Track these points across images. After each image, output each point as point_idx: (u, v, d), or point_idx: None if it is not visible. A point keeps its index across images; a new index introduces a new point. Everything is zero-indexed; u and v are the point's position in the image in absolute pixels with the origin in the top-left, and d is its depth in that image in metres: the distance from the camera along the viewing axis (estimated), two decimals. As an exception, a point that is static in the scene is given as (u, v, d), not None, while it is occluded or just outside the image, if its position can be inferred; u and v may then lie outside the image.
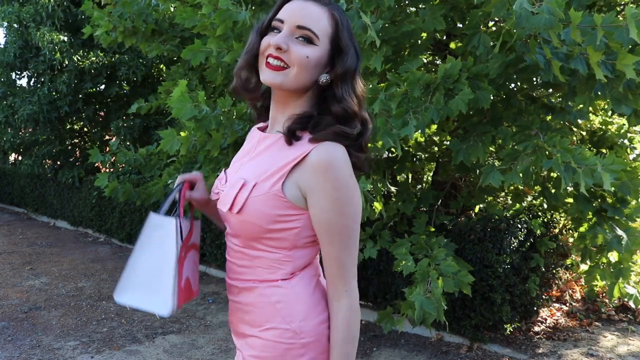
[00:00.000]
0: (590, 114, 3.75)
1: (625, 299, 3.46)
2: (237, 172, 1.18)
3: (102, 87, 7.56)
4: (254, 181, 1.11)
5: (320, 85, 1.13)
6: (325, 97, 1.14)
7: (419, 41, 3.16)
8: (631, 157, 3.86)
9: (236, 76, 1.20)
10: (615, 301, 4.46)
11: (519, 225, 3.75)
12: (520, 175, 2.64)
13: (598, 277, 3.41)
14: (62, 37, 6.65)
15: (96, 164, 7.75)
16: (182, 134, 3.42)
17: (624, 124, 3.94)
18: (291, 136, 1.11)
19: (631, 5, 2.48)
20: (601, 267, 3.47)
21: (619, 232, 2.99)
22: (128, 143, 6.87)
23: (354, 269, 1.13)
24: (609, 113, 3.82)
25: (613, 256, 3.48)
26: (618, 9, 2.95)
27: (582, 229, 3.28)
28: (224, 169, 1.28)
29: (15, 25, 7.15)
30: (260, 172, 1.12)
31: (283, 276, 1.15)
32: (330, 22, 1.11)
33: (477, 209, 4.19)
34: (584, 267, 4.46)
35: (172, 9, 4.03)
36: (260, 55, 1.13)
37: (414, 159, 4.08)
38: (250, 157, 1.19)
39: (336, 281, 1.12)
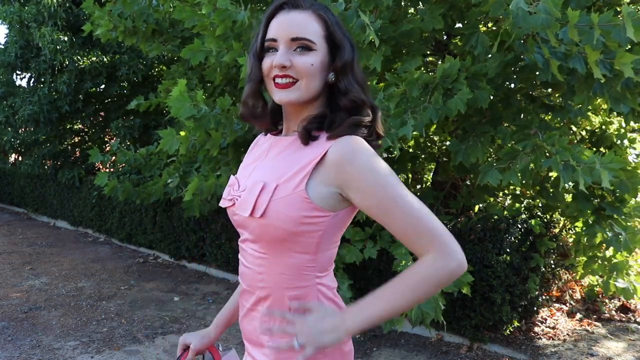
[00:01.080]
0: (590, 114, 3.75)
1: (620, 297, 3.47)
2: (251, 176, 1.15)
3: (103, 87, 7.57)
4: (274, 183, 1.07)
5: (327, 85, 1.14)
6: (332, 94, 1.15)
7: (418, 40, 3.16)
8: (630, 157, 3.86)
9: (244, 105, 1.20)
10: (616, 301, 4.46)
11: (519, 225, 3.75)
12: (519, 174, 2.63)
13: (592, 270, 3.42)
14: (63, 37, 6.66)
15: (96, 164, 7.77)
16: (182, 133, 3.43)
17: (623, 124, 3.95)
18: (307, 136, 1.10)
19: (630, 5, 2.48)
20: (597, 262, 3.48)
21: (618, 230, 2.99)
22: (128, 143, 6.88)
23: (440, 226, 1.02)
24: (609, 113, 3.82)
25: (609, 251, 3.49)
26: (618, 8, 2.95)
27: (578, 224, 3.29)
28: (231, 175, 1.25)
29: (17, 25, 7.16)
30: (280, 174, 1.09)
31: (308, 282, 1.11)
32: (319, 23, 1.11)
33: (476, 208, 4.19)
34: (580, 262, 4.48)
35: (172, 9, 4.04)
36: (266, 78, 1.13)
37: (414, 159, 4.08)
38: (264, 161, 1.17)
39: (418, 245, 1.03)
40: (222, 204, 1.22)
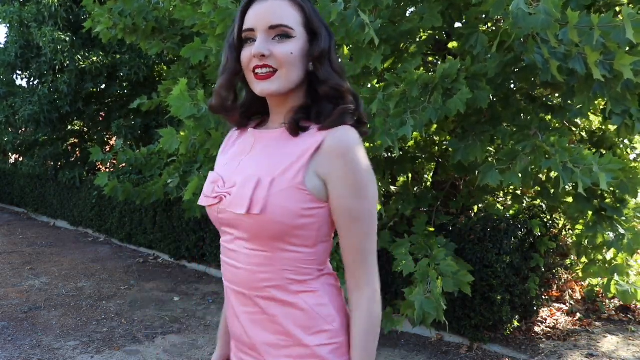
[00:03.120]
0: (590, 114, 3.75)
1: (619, 298, 3.47)
2: (240, 171, 1.11)
3: (103, 87, 7.57)
4: (269, 177, 1.04)
5: (307, 74, 1.11)
6: (311, 83, 1.12)
7: (418, 40, 3.15)
8: (631, 157, 3.86)
9: (216, 95, 1.15)
10: (616, 301, 4.45)
11: (519, 225, 3.75)
12: (519, 175, 2.63)
13: (593, 273, 3.42)
14: (63, 37, 6.66)
15: (97, 165, 7.77)
16: (182, 133, 3.43)
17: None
18: (297, 127, 1.08)
19: (629, 6, 2.48)
20: (597, 264, 3.48)
21: (621, 230, 2.99)
22: (129, 143, 6.88)
23: (375, 256, 1.09)
24: (603, 118, 3.82)
25: (609, 253, 3.49)
26: (618, 9, 2.95)
27: (578, 227, 3.28)
28: (210, 172, 1.20)
29: (17, 25, 7.16)
30: (273, 167, 1.06)
31: (311, 275, 1.09)
32: (297, 10, 1.08)
33: (476, 209, 4.19)
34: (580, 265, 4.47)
35: (172, 8, 4.04)
36: (246, 70, 1.10)
37: (414, 159, 4.08)
38: (250, 155, 1.13)
39: (358, 271, 1.08)
40: (204, 202, 1.15)
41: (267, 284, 1.08)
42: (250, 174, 1.07)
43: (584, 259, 3.80)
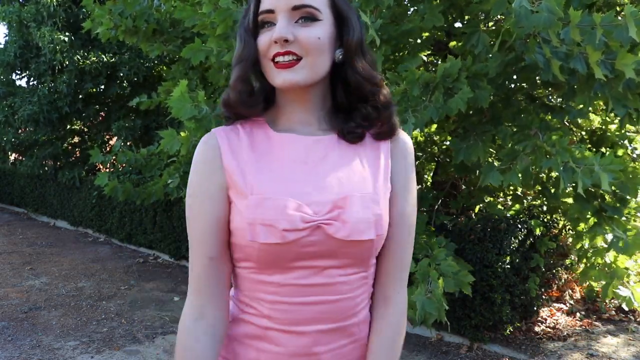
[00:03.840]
0: (590, 114, 3.75)
1: (618, 301, 3.46)
2: (321, 189, 0.92)
3: (103, 87, 7.57)
4: (375, 193, 0.94)
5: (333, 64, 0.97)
6: (336, 74, 0.98)
7: (419, 40, 3.15)
8: (632, 157, 3.86)
9: (233, 89, 0.96)
10: (616, 301, 4.46)
11: (519, 226, 3.75)
12: (520, 175, 2.63)
13: (593, 277, 3.41)
14: (62, 37, 6.66)
15: (96, 165, 7.77)
16: (182, 134, 3.42)
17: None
18: (360, 136, 0.98)
19: (631, 4, 2.48)
20: (596, 267, 3.47)
21: (619, 232, 2.99)
22: (129, 143, 6.88)
23: None
24: (607, 113, 3.82)
25: (609, 257, 3.48)
26: (618, 8, 2.95)
27: (579, 228, 3.28)
28: (261, 196, 0.91)
29: (16, 25, 7.16)
30: (361, 180, 0.94)
31: (371, 287, 1.02)
32: None
33: (477, 209, 4.19)
34: (581, 266, 4.47)
35: (173, 9, 4.03)
36: (263, 58, 0.94)
37: (414, 159, 4.08)
38: (315, 166, 0.95)
39: (397, 282, 1.01)
40: (289, 236, 0.88)
41: (362, 305, 0.99)
42: (346, 191, 0.92)
43: (583, 262, 3.81)
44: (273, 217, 0.88)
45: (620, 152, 3.70)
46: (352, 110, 1.00)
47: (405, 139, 1.03)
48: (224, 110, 1.00)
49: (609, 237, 3.01)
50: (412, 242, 1.01)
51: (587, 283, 4.50)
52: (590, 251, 3.54)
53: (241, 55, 0.95)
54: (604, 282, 3.38)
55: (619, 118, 2.72)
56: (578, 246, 3.80)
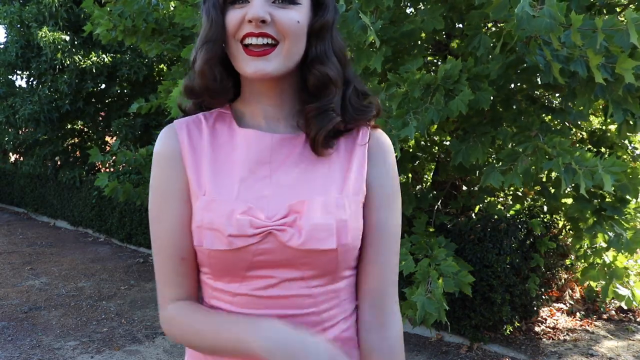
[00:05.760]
0: (590, 115, 3.75)
1: (618, 302, 3.47)
2: (279, 192, 0.84)
3: (103, 87, 7.58)
4: (334, 196, 0.83)
5: None
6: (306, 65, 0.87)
7: (419, 41, 3.16)
8: (632, 157, 3.86)
9: (200, 74, 0.85)
10: (615, 301, 4.46)
11: (519, 226, 3.75)
12: (521, 176, 2.64)
13: (592, 277, 3.42)
14: (63, 37, 6.66)
15: (97, 165, 7.77)
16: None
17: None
18: (328, 147, 0.87)
19: (631, 7, 2.49)
20: (596, 267, 3.48)
21: (619, 230, 3.00)
22: (129, 143, 6.88)
23: None
24: (605, 117, 3.82)
25: (608, 257, 3.49)
26: (618, 9, 2.95)
27: (581, 225, 3.28)
28: (209, 197, 0.84)
29: (17, 25, 7.16)
30: (328, 183, 0.85)
31: (354, 299, 0.92)
32: None
33: (477, 209, 4.19)
34: (579, 265, 4.47)
35: (172, 8, 4.04)
36: (231, 39, 0.82)
37: (414, 159, 4.08)
38: (275, 167, 0.86)
39: (391, 295, 0.91)
40: (236, 243, 0.80)
41: (332, 322, 0.87)
42: (310, 194, 0.83)
43: (582, 261, 3.81)
44: (219, 222, 0.80)
45: (619, 153, 3.70)
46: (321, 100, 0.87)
47: (382, 137, 0.92)
48: (187, 97, 0.90)
49: (610, 235, 3.02)
50: (398, 252, 0.91)
51: (587, 283, 4.51)
52: (589, 251, 3.55)
53: (208, 34, 0.83)
54: (603, 282, 3.38)
55: (616, 124, 2.73)
56: (577, 246, 3.80)
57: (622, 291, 3.40)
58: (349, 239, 0.82)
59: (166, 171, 0.87)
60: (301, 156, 0.87)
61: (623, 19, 2.05)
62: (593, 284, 4.23)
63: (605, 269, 3.52)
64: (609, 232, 3.03)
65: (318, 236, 0.80)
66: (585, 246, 3.57)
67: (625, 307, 3.75)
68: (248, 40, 0.80)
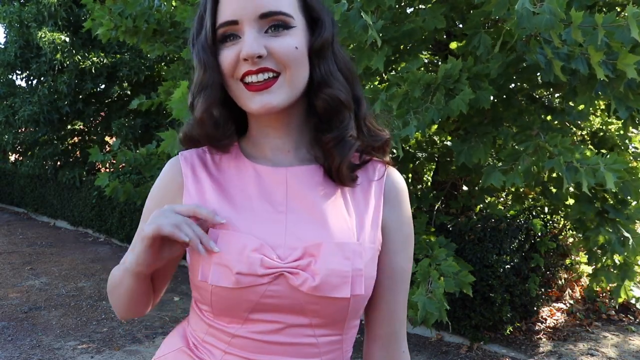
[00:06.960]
0: (591, 115, 3.75)
1: (632, 301, 3.46)
2: (293, 232, 0.79)
3: (103, 87, 7.58)
4: (359, 244, 0.78)
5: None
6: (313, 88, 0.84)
7: (420, 40, 3.16)
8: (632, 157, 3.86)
9: (199, 123, 0.82)
10: (614, 302, 4.46)
11: (519, 226, 3.75)
12: (522, 175, 2.64)
13: (604, 279, 3.40)
14: (63, 37, 6.66)
15: (97, 165, 7.77)
16: (183, 134, 3.42)
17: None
18: (353, 178, 0.83)
19: (633, 4, 2.48)
20: (606, 269, 3.47)
21: (625, 233, 2.99)
22: (130, 143, 6.88)
23: None
24: (607, 114, 3.82)
25: (618, 257, 3.48)
26: (618, 9, 2.95)
27: (588, 225, 3.27)
28: (227, 231, 0.78)
29: (16, 25, 7.16)
30: (343, 226, 0.80)
31: (352, 348, 0.89)
32: None
33: (477, 209, 4.20)
34: (585, 267, 4.46)
35: (173, 9, 4.03)
36: (229, 79, 0.78)
37: (414, 159, 4.09)
38: (292, 206, 0.81)
39: (401, 335, 0.89)
40: (243, 282, 0.75)
41: None
42: (323, 236, 0.78)
43: (584, 259, 3.79)
44: (228, 257, 0.75)
45: (621, 153, 3.70)
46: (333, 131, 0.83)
47: (397, 177, 0.88)
48: (187, 146, 0.88)
49: (613, 237, 3.02)
50: (408, 290, 0.89)
51: (587, 283, 4.51)
52: (599, 252, 3.52)
53: (204, 80, 0.79)
54: (615, 284, 3.36)
55: (622, 120, 2.73)
56: (587, 247, 3.78)
57: (636, 292, 3.38)
58: (362, 290, 0.77)
59: (163, 201, 0.86)
60: (317, 191, 0.82)
61: (624, 16, 2.05)
62: (604, 283, 4.22)
63: (616, 270, 3.50)
64: (612, 234, 3.03)
65: (333, 283, 0.75)
66: (592, 245, 3.55)
67: (627, 300, 3.72)
68: (248, 79, 0.77)
